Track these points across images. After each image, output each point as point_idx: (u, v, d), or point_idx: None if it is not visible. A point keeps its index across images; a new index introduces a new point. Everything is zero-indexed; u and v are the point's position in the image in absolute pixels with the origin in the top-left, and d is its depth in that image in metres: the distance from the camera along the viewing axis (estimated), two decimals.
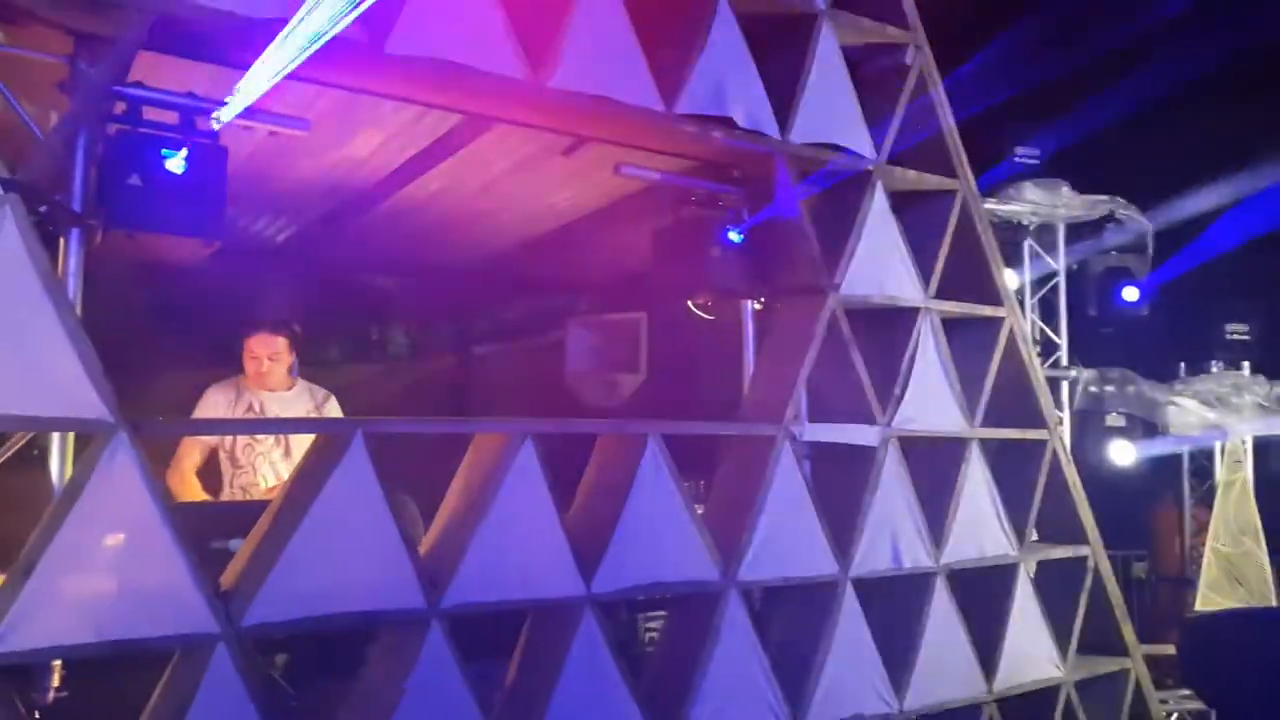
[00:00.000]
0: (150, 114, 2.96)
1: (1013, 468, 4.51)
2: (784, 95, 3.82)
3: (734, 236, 3.84)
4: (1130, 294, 6.36)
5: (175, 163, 2.88)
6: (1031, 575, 4.49)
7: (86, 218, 2.84)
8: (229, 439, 4.10)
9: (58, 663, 2.85)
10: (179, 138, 2.92)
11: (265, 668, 3.23)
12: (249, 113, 3.17)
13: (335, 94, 3.38)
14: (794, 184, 3.80)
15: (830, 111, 3.93)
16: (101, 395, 2.59)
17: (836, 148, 3.94)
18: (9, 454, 3.01)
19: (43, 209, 2.71)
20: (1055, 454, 4.63)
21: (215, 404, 4.10)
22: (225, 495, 4.16)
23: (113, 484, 2.60)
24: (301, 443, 4.02)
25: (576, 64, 3.31)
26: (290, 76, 3.13)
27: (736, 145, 3.72)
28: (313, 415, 4.19)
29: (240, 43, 2.82)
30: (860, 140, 4.03)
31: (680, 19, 3.69)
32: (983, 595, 4.26)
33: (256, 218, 4.34)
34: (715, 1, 3.67)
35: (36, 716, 2.78)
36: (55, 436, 2.88)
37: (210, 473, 4.22)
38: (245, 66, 2.96)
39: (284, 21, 2.66)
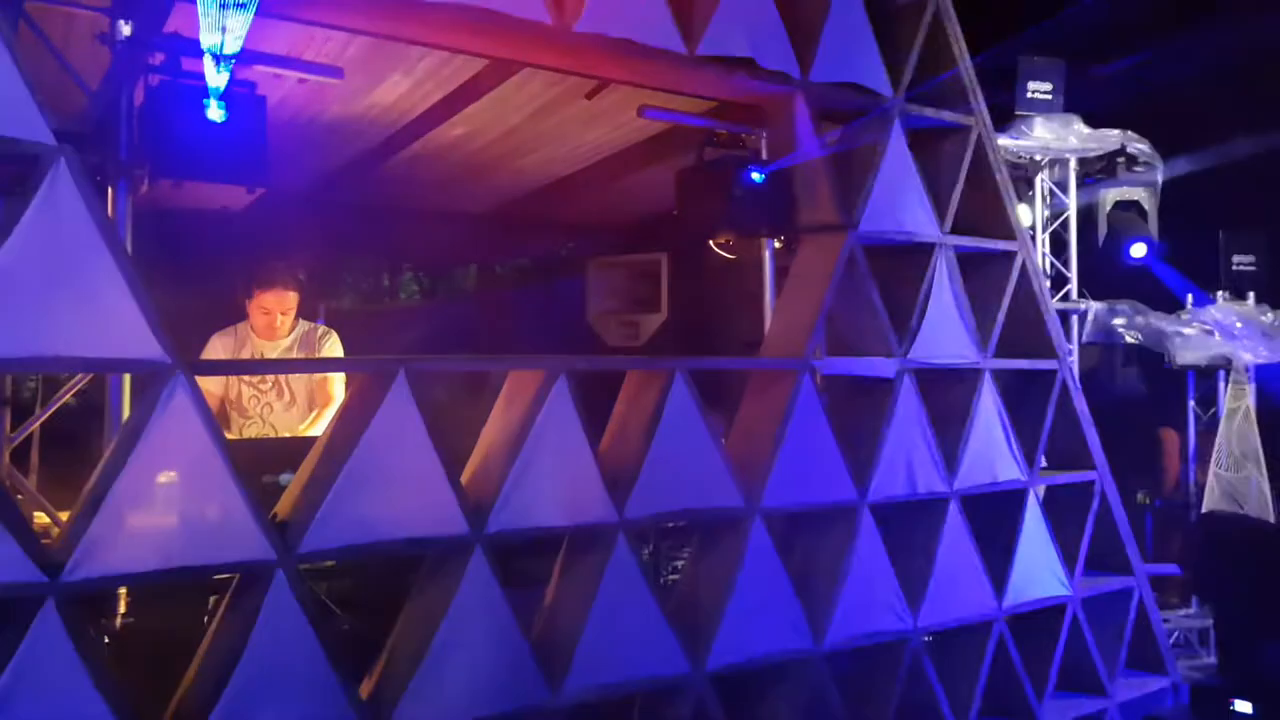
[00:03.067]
0: (189, 65, 3.03)
1: (1024, 397, 4.66)
2: (804, 35, 3.87)
3: (756, 176, 3.92)
4: (1138, 250, 6.43)
5: (215, 112, 2.96)
6: (1040, 499, 4.66)
7: (134, 167, 2.94)
8: (234, 390, 4.13)
9: (124, 591, 3.03)
10: (218, 87, 2.99)
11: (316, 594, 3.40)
12: (285, 62, 3.27)
13: (364, 40, 3.44)
14: (814, 123, 3.87)
15: (850, 50, 3.98)
16: (159, 338, 2.72)
17: (856, 86, 4.00)
18: (67, 397, 3.15)
19: (92, 160, 2.81)
20: (1065, 384, 4.77)
21: (219, 353, 4.09)
22: None
23: (173, 421, 2.74)
24: (301, 390, 4.15)
25: (600, 7, 3.37)
26: (322, 24, 3.22)
27: (758, 86, 3.78)
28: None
29: None
30: (879, 79, 4.08)
31: None
32: (994, 519, 4.44)
33: (286, 164, 4.40)
34: None
35: (106, 641, 2.96)
36: (110, 380, 3.02)
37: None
38: (278, 15, 3.04)
39: None
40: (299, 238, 4.55)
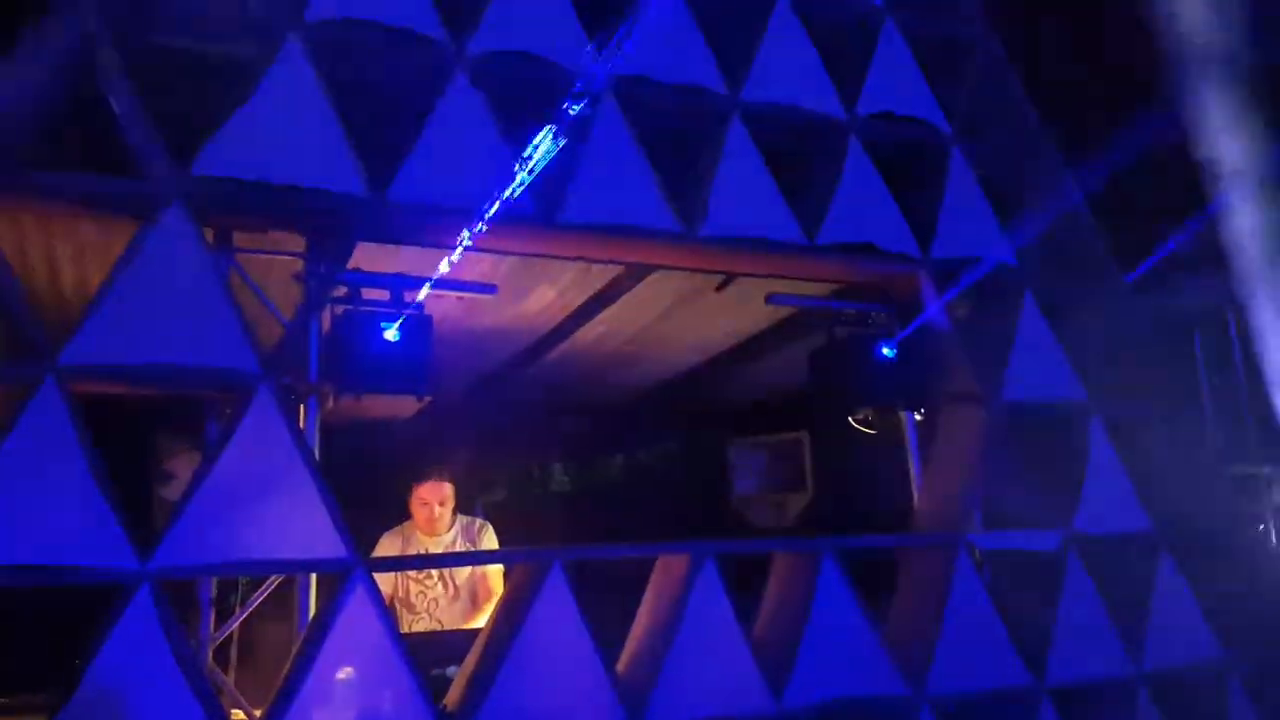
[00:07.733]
0: (368, 293, 3.47)
1: (1208, 569, 4.30)
2: (922, 213, 4.04)
3: (887, 352, 4.00)
4: None
5: (391, 333, 3.36)
6: (1244, 680, 4.21)
7: (322, 386, 3.34)
8: (403, 587, 4.34)
9: None
10: (392, 311, 3.40)
11: None
12: (446, 284, 3.67)
13: (514, 258, 3.83)
14: (940, 297, 3.96)
15: (971, 226, 4.11)
16: (343, 537, 2.98)
17: (980, 259, 4.08)
18: (264, 595, 3.44)
19: (287, 381, 3.21)
20: (1255, 554, 4.40)
21: (388, 551, 4.32)
22: None
23: (354, 617, 2.96)
24: (465, 584, 4.33)
25: (722, 211, 3.66)
26: (476, 249, 3.62)
27: (880, 268, 3.94)
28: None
29: (435, 228, 3.30)
30: (1003, 249, 4.16)
31: (815, 157, 4.01)
32: (1191, 704, 4.04)
33: (447, 372, 4.82)
34: (847, 139, 3.98)
35: None
36: (299, 579, 3.29)
37: None
38: (440, 245, 3.45)
39: (469, 210, 3.14)
40: (458, 437, 4.90)
